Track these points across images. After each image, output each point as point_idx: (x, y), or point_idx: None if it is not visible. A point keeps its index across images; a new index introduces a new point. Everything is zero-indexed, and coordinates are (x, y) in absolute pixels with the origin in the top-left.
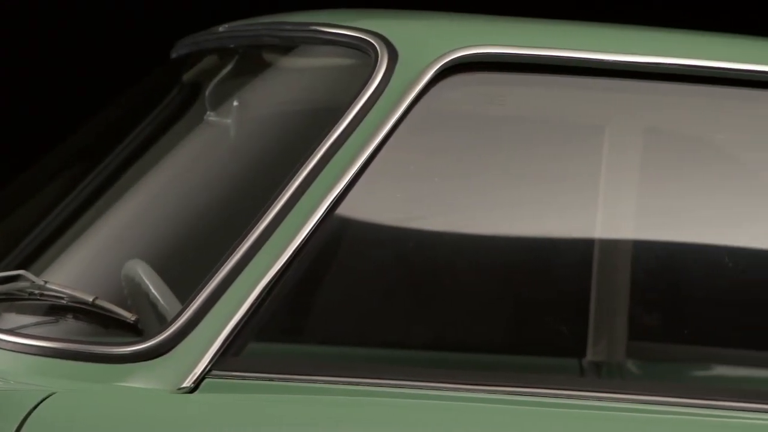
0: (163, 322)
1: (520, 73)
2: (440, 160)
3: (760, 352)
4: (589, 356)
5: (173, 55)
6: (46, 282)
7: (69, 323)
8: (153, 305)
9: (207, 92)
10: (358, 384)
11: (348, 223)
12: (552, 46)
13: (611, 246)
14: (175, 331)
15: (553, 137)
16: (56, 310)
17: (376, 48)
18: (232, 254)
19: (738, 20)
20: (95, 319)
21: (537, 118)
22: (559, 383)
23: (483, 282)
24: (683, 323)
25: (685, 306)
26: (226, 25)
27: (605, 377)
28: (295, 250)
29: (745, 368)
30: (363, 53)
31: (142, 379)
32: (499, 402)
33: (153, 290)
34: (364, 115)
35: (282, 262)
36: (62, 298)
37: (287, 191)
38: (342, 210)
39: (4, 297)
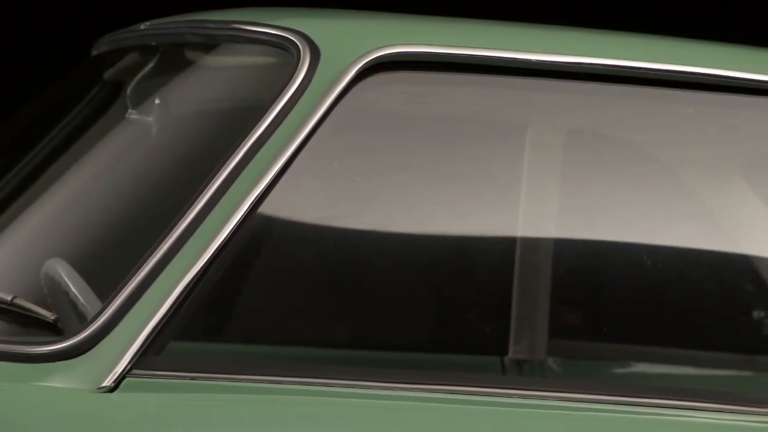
0: (83, 321)
1: (441, 72)
2: (362, 159)
3: (679, 350)
4: (511, 354)
5: (94, 52)
6: None
7: None
8: (73, 304)
9: (128, 90)
10: (280, 383)
11: (270, 222)
12: (474, 46)
13: (533, 245)
14: (95, 330)
15: (475, 137)
16: None
17: (298, 47)
18: (153, 253)
19: (667, 20)
20: (14, 318)
21: (459, 118)
22: (481, 381)
23: (405, 281)
24: (603, 321)
25: (605, 304)
26: (148, 23)
27: (526, 375)
28: (216, 249)
29: (664, 365)
30: (285, 52)
31: (61, 379)
32: (420, 400)
33: (73, 289)
34: (287, 114)
35: (204, 261)
36: None
37: (209, 189)
38: (264, 209)
39: None
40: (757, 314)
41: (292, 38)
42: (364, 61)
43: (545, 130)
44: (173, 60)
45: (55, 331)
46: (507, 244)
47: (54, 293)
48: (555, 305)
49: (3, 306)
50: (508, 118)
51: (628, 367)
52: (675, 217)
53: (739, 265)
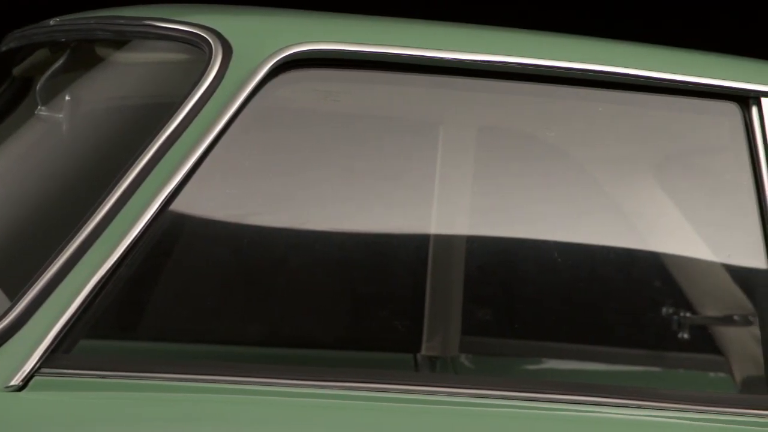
0: None
1: (355, 69)
2: (275, 157)
3: (589, 346)
4: (424, 351)
5: (2, 48)
6: None
7: None
8: None
9: (38, 86)
10: (191, 381)
11: (182, 220)
12: (387, 44)
13: (446, 243)
14: (3, 328)
15: (388, 134)
16: None
17: (210, 43)
18: (63, 250)
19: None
20: None
21: (372, 115)
22: (394, 378)
23: (319, 278)
24: (515, 318)
25: (516, 301)
26: (58, 19)
27: (439, 372)
28: (128, 246)
29: (574, 362)
30: (197, 48)
31: None
32: (333, 397)
33: None
34: (199, 111)
35: (115, 258)
36: None
37: (120, 187)
38: (176, 206)
39: None
40: (665, 311)
41: (203, 35)
42: (277, 59)
43: (458, 127)
44: (84, 56)
45: None
46: (420, 242)
47: None
48: (467, 302)
49: None
50: (421, 115)
51: (539, 363)
52: (586, 214)
53: (649, 263)
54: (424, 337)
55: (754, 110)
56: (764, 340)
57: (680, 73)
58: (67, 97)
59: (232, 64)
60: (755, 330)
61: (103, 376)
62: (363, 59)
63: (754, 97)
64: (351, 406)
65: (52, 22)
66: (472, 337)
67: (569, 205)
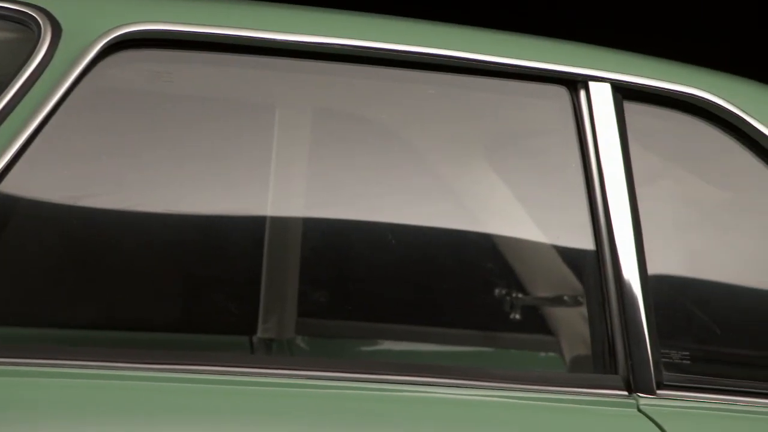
0: None
1: (188, 50)
2: (108, 138)
3: (423, 327)
4: (260, 333)
5: None
6: None
7: None
8: None
9: None
10: (22, 364)
11: (11, 202)
12: (222, 24)
13: (281, 225)
14: None
15: (224, 116)
16: None
17: (38, 22)
18: None
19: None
20: None
21: (208, 97)
22: (229, 360)
23: (154, 260)
24: (350, 300)
25: (352, 283)
26: None
27: (275, 354)
28: None
29: (409, 343)
30: (25, 27)
31: None
32: (169, 380)
33: None
34: (26, 92)
35: None
36: None
37: None
38: (4, 188)
39: None
40: (497, 292)
41: (32, 14)
42: (108, 38)
43: (293, 109)
44: None
45: None
46: (256, 224)
47: None
48: (303, 285)
49: None
50: (257, 97)
51: (374, 344)
52: (419, 196)
53: (481, 244)
54: (260, 320)
55: (582, 94)
56: (591, 319)
57: (510, 57)
58: None
59: (61, 43)
60: (584, 310)
61: None
62: (197, 40)
63: (582, 81)
64: (186, 389)
65: None
66: (307, 319)
67: (403, 187)
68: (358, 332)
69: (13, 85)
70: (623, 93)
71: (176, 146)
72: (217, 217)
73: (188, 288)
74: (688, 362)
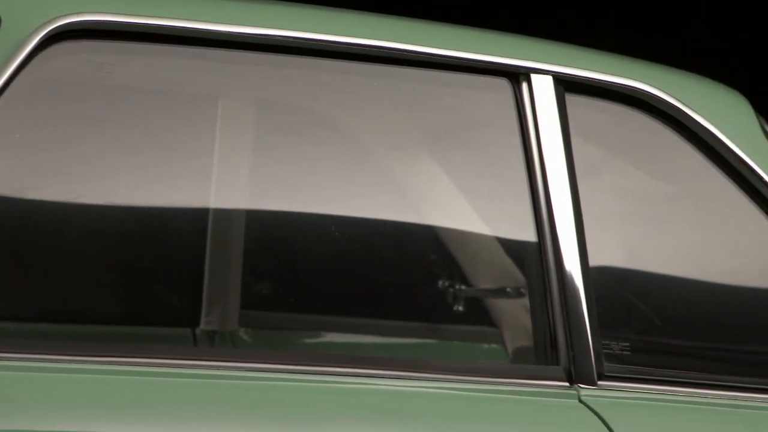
0: None
1: (130, 41)
2: (48, 131)
3: (367, 319)
4: (203, 326)
5: None
6: None
7: None
8: None
9: None
10: None
11: None
12: (164, 16)
13: (225, 217)
14: None
15: (167, 107)
16: None
17: None
18: None
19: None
20: None
21: (151, 88)
22: (172, 353)
23: (97, 252)
24: (294, 292)
25: (295, 276)
26: None
27: (218, 346)
28: None
29: (352, 335)
30: None
31: None
32: (110, 373)
33: None
34: None
35: None
36: None
37: None
38: None
39: None
40: (441, 284)
41: None
42: (48, 29)
43: (236, 101)
44: None
45: None
46: (199, 216)
47: None
48: (246, 277)
49: None
50: (200, 89)
51: (317, 337)
52: (363, 188)
53: (425, 236)
54: (203, 312)
55: (524, 86)
56: (533, 311)
57: (454, 49)
58: None
59: None
60: (526, 301)
61: None
62: (138, 31)
63: (524, 74)
64: (128, 382)
65: None
66: (250, 311)
67: (347, 180)
68: (301, 324)
69: None
70: (565, 85)
71: (118, 138)
72: (159, 209)
73: (131, 280)
74: (629, 353)
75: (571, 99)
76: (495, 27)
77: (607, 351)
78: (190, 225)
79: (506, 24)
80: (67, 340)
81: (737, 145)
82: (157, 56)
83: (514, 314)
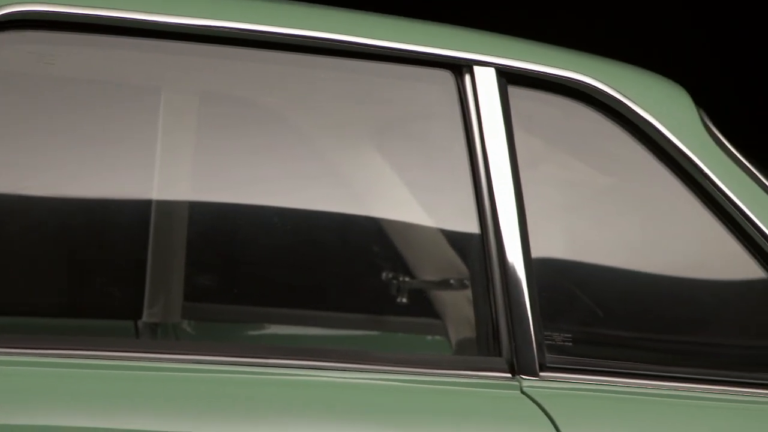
0: None
1: (72, 32)
2: None
3: (309, 311)
4: (145, 318)
5: None
6: None
7: None
8: None
9: None
10: None
11: None
12: (106, 6)
13: (168, 209)
14: None
15: (109, 99)
16: None
17: None
18: None
19: None
20: None
21: (93, 79)
22: (114, 345)
23: (39, 245)
24: (236, 284)
25: (238, 267)
26: None
27: (160, 338)
28: None
29: (295, 327)
30: None
31: None
32: (52, 365)
33: None
34: None
35: None
36: None
37: None
38: None
39: None
40: (385, 276)
41: None
42: None
43: (179, 92)
44: None
45: None
46: (142, 208)
47: None
48: (189, 269)
49: None
50: (142, 80)
51: (260, 329)
52: (307, 180)
53: (369, 228)
54: (146, 304)
55: (467, 78)
56: (476, 302)
57: (397, 41)
58: None
59: None
60: (469, 293)
61: None
62: (81, 22)
63: (467, 66)
64: (70, 374)
65: None
66: (194, 304)
67: (290, 171)
68: (244, 316)
69: None
70: (507, 77)
71: (60, 129)
72: (102, 201)
73: (73, 272)
74: (571, 344)
75: (514, 91)
76: (442, 20)
77: (549, 342)
78: (133, 217)
79: (445, 17)
80: (9, 332)
81: (678, 138)
82: (100, 47)
83: (458, 306)
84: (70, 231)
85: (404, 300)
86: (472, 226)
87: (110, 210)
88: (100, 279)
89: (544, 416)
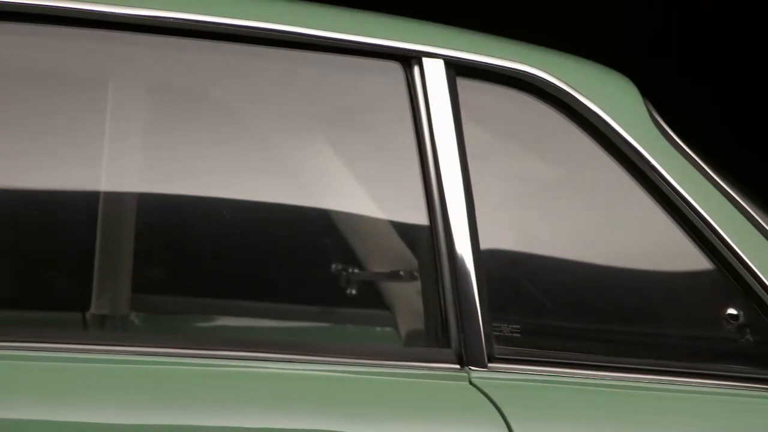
0: None
1: (20, 23)
2: None
3: (259, 303)
4: (93, 309)
5: None
6: None
7: None
8: None
9: None
10: None
11: None
12: None
13: (116, 200)
14: None
15: (57, 90)
16: None
17: None
18: None
19: None
20: None
21: (39, 70)
22: (61, 337)
23: None
24: (185, 276)
25: (187, 259)
26: None
27: (108, 330)
28: None
29: (244, 319)
30: None
31: None
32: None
33: None
34: None
35: None
36: None
37: None
38: None
39: None
40: (334, 267)
41: None
42: None
43: (127, 83)
44: None
45: None
46: (89, 200)
47: None
48: (138, 260)
49: None
50: (90, 71)
51: (209, 321)
52: (255, 172)
53: (318, 220)
54: (94, 296)
55: (416, 70)
56: (425, 294)
57: (346, 33)
58: None
59: None
60: (419, 285)
61: None
62: (28, 12)
63: (416, 57)
64: (17, 366)
65: None
66: (142, 295)
67: (239, 163)
68: (193, 308)
69: None
70: (456, 69)
71: (6, 121)
72: (49, 193)
73: (20, 264)
74: (519, 336)
75: (463, 83)
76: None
77: (498, 333)
78: (81, 208)
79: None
80: None
81: (625, 130)
82: (47, 37)
83: (407, 297)
84: (17, 222)
85: (353, 291)
86: (421, 218)
87: (58, 201)
88: (48, 270)
89: (493, 407)
